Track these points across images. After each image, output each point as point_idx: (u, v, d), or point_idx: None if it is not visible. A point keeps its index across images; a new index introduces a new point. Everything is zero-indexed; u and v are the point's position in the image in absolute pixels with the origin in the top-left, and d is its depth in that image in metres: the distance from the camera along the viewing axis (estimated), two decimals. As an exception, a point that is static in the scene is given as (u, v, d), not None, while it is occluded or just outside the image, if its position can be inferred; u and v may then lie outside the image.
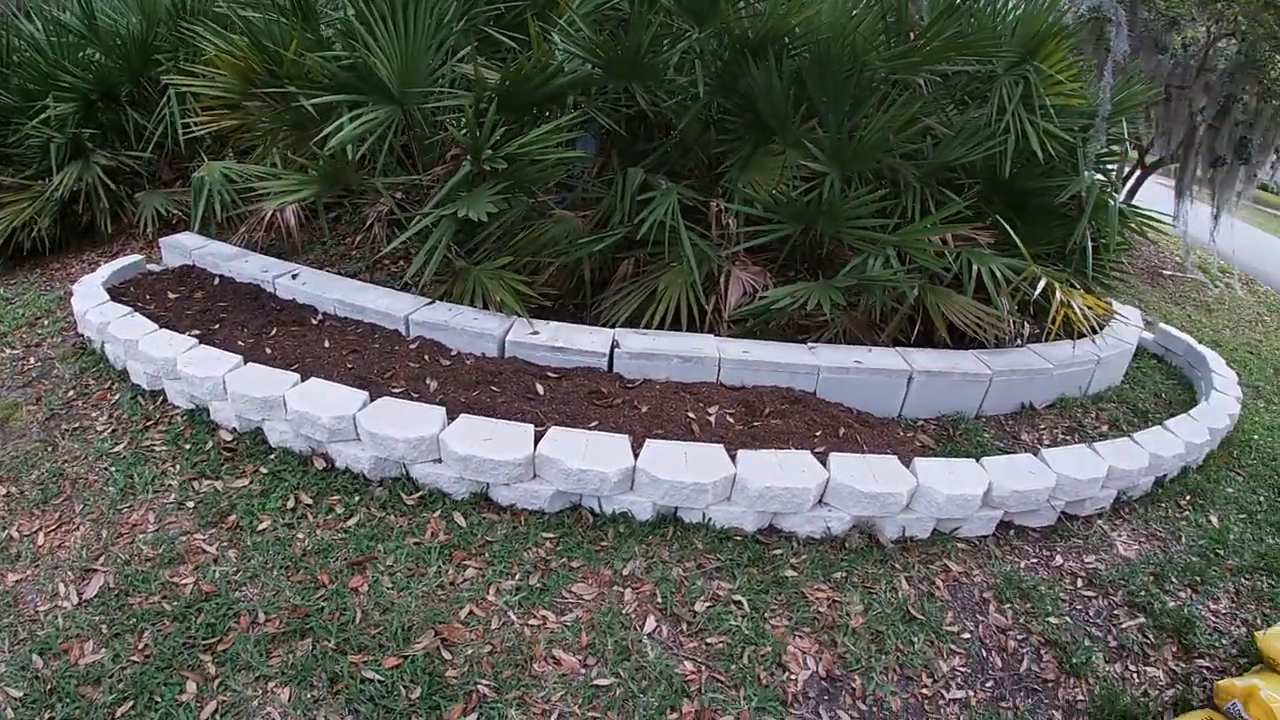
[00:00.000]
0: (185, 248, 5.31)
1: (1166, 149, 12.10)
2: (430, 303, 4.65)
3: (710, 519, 3.67)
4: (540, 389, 4.09)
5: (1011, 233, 5.09)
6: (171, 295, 4.91)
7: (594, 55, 4.70)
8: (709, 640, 3.16)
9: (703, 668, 3.04)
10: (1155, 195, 12.37)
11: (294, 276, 4.89)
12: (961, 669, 3.30)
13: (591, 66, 4.76)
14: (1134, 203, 12.36)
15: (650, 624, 3.19)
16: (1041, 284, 4.90)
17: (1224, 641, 3.83)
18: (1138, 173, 12.83)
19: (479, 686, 2.86)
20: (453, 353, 4.40)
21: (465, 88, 4.81)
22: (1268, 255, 17.52)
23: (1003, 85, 5.13)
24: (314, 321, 4.61)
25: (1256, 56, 10.98)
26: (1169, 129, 11.83)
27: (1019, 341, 5.21)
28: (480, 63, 4.71)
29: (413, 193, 5.08)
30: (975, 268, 4.85)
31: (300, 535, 3.43)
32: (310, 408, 3.69)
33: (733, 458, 3.67)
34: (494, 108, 4.35)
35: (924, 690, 3.16)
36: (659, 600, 3.29)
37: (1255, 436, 6.14)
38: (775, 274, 4.91)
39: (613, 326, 4.64)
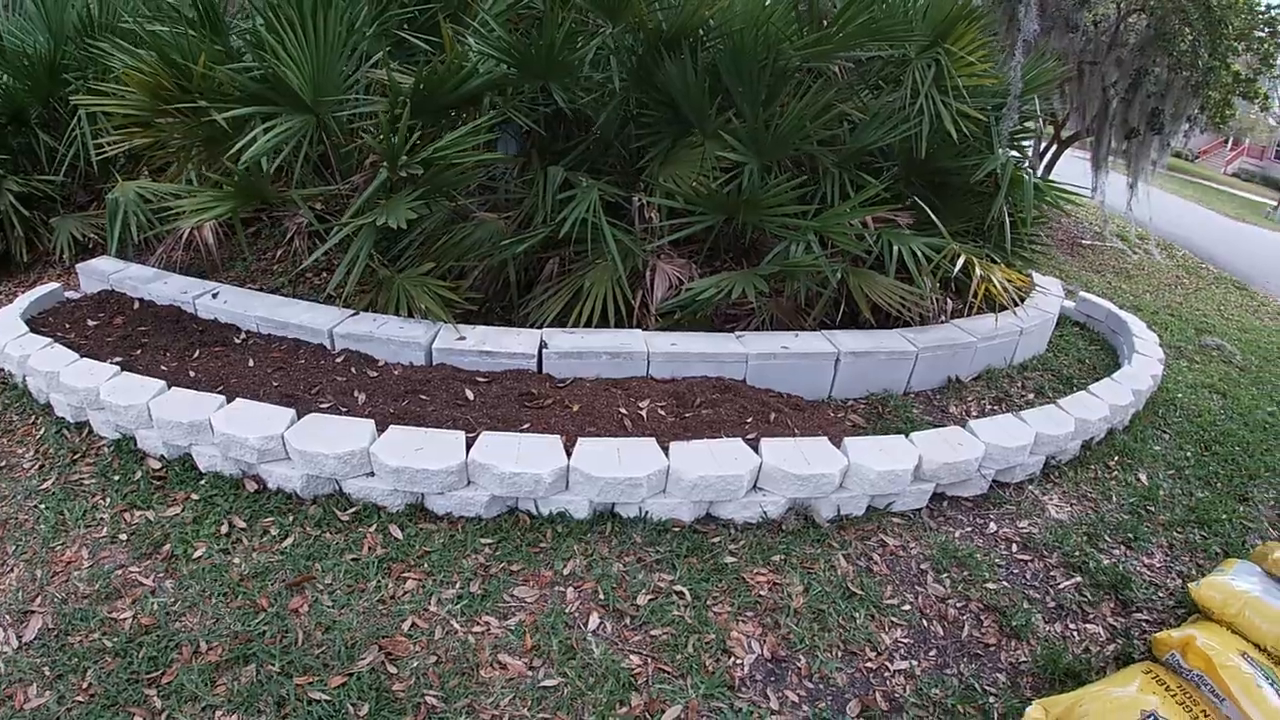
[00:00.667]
0: (103, 273, 5.17)
1: (1081, 123, 12.38)
2: (354, 314, 4.58)
3: (647, 512, 3.67)
4: (470, 394, 4.06)
5: (930, 212, 5.18)
6: (91, 323, 4.77)
7: (508, 55, 4.66)
8: (653, 632, 3.16)
9: (649, 660, 3.04)
10: (1073, 168, 12.64)
11: (215, 296, 4.79)
12: (904, 640, 3.34)
13: (507, 66, 4.71)
14: (1051, 177, 12.68)
15: (594, 621, 3.18)
16: (961, 261, 5.00)
17: (1161, 594, 3.92)
18: (1054, 147, 13.10)
19: (427, 698, 2.82)
20: (380, 363, 4.34)
21: (381, 93, 4.76)
22: (1183, 220, 17.96)
23: (915, 68, 5.20)
24: (237, 341, 4.52)
25: (1166, 30, 11.26)
26: (1083, 104, 12.10)
27: (943, 318, 5.30)
28: (394, 67, 4.66)
29: (332, 203, 5.00)
30: (896, 248, 4.94)
31: (236, 560, 3.36)
32: (237, 429, 3.61)
33: (665, 450, 3.68)
34: (408, 112, 4.30)
35: (868, 664, 3.19)
36: (601, 597, 3.28)
37: (1179, 395, 6.30)
38: (701, 265, 4.92)
39: (541, 327, 4.61)
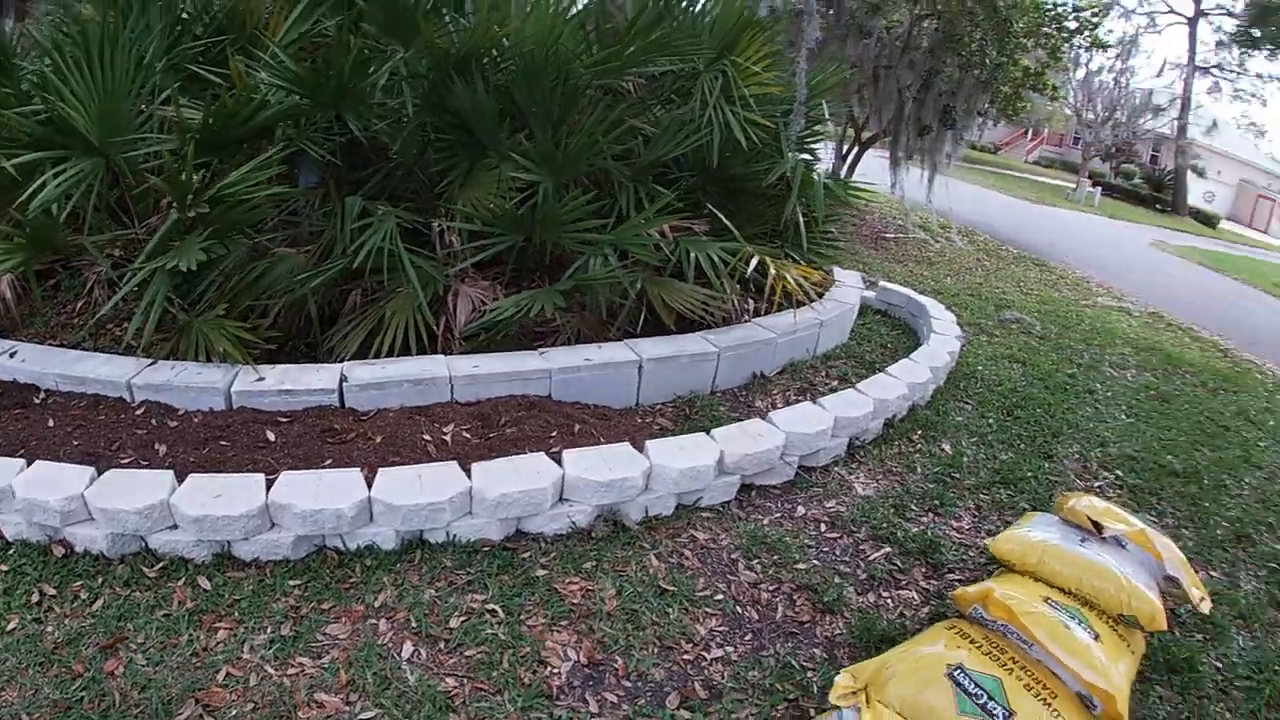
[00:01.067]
0: (-103, 344, 4.75)
1: (880, 124, 12.78)
2: (153, 363, 4.29)
3: (455, 535, 3.55)
4: (272, 436, 3.86)
5: (723, 218, 5.24)
6: (-112, 399, 4.37)
7: (298, 85, 4.47)
8: (468, 653, 3.06)
9: (465, 681, 2.95)
10: (877, 167, 13.05)
11: (12, 355, 4.42)
12: (719, 629, 3.34)
13: (299, 97, 4.52)
14: (855, 176, 13.10)
15: (408, 649, 3.07)
16: (754, 261, 5.06)
17: (971, 554, 4.07)
18: (856, 148, 13.50)
19: (245, 745, 2.67)
20: (180, 412, 4.08)
21: (176, 131, 4.52)
22: (986, 208, 18.84)
23: (704, 81, 5.25)
24: (37, 400, 4.18)
25: (955, 32, 11.67)
26: (881, 106, 12.50)
27: (746, 317, 5.38)
28: (184, 103, 4.40)
29: (131, 248, 4.68)
30: (693, 255, 4.97)
31: (49, 629, 3.10)
32: (38, 493, 3.32)
33: (468, 472, 3.57)
34: (193, 150, 4.07)
35: (685, 656, 3.17)
36: (414, 625, 3.17)
37: (980, 368, 6.56)
38: (506, 285, 4.84)
39: (343, 360, 4.42)
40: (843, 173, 13.34)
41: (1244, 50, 36.49)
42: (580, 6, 5.31)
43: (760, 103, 5.50)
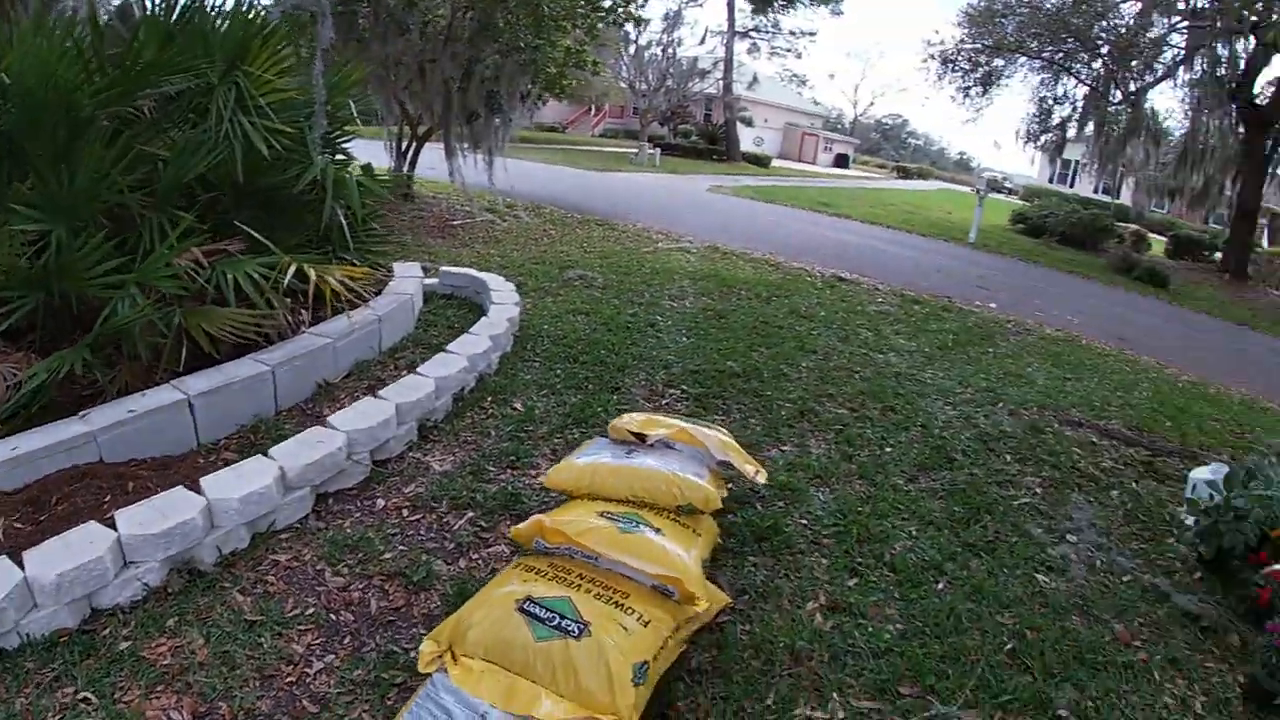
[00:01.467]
0: None
1: (433, 118, 12.81)
2: None
3: (29, 634, 3.09)
4: None
5: (254, 233, 4.98)
6: None
7: None
8: (69, 750, 2.74)
9: (71, 776, 2.64)
10: (441, 158, 13.08)
11: None
12: (317, 642, 3.25)
13: None
14: (417, 170, 13.09)
15: (13, 764, 2.69)
16: (291, 270, 4.88)
17: (552, 495, 4.21)
18: (414, 144, 13.47)
19: None
20: None
21: None
22: (554, 185, 19.60)
23: (218, 95, 4.96)
24: None
25: (492, 21, 11.90)
26: (431, 99, 12.52)
27: (303, 329, 5.19)
28: None
29: None
30: (230, 276, 4.67)
31: None
32: None
33: (20, 563, 3.11)
34: None
35: (288, 679, 3.06)
36: (11, 740, 2.77)
37: (545, 326, 6.89)
38: (41, 352, 4.22)
39: None
40: (405, 167, 13.33)
41: (762, 10, 42.35)
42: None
43: (281, 109, 5.28)
